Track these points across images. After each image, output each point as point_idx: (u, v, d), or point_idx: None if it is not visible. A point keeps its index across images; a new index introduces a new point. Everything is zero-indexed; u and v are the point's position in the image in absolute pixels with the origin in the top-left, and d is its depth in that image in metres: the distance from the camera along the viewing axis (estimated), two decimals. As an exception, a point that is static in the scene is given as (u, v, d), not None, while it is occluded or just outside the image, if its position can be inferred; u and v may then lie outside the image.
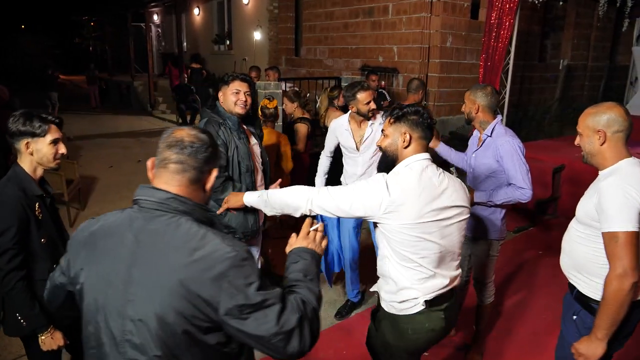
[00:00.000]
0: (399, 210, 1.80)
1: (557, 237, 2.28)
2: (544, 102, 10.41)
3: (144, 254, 1.24)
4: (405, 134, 1.88)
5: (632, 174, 1.85)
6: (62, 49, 27.40)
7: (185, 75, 12.58)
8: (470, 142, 3.04)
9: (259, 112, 4.07)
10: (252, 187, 2.73)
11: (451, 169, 2.88)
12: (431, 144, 2.60)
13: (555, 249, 2.27)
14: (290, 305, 1.26)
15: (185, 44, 16.36)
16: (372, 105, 3.25)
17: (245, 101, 2.72)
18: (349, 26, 9.65)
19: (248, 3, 12.44)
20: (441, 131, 8.53)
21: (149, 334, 1.21)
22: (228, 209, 2.25)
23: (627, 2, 7.99)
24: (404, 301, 1.91)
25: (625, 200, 1.78)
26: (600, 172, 1.97)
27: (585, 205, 1.96)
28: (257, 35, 12.18)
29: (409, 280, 1.89)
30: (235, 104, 2.70)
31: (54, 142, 2.04)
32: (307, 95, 7.13)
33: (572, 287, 2.07)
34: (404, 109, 1.91)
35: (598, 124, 1.91)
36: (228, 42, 14.07)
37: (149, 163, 1.37)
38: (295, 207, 1.96)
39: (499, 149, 2.69)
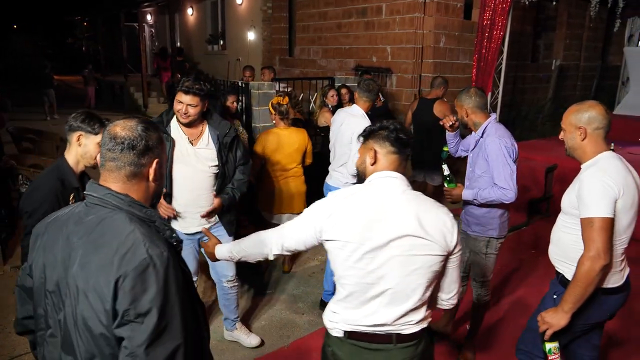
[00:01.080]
0: None
1: (549, 236, 2.30)
2: (536, 102, 10.46)
3: (77, 247, 1.27)
4: (371, 150, 1.76)
5: (611, 165, 2.00)
6: (55, 49, 27.24)
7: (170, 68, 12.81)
8: (470, 140, 3.07)
9: (272, 110, 4.03)
10: (167, 194, 2.81)
11: (443, 166, 2.91)
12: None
13: (547, 248, 2.30)
14: (171, 329, 1.22)
15: (178, 44, 16.31)
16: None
17: (187, 113, 2.75)
18: (342, 26, 9.65)
19: (242, 3, 12.42)
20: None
21: (73, 325, 1.26)
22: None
23: (619, 2, 8.06)
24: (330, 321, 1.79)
25: (602, 189, 1.92)
26: (582, 165, 2.12)
27: (568, 196, 2.11)
28: (251, 36, 12.16)
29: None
30: (177, 112, 2.77)
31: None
32: (301, 95, 7.14)
33: (558, 274, 2.21)
34: (372, 126, 1.82)
35: (579, 121, 2.06)
36: (222, 42, 14.05)
37: (97, 160, 1.40)
38: (263, 256, 1.88)
39: (486, 149, 2.74)
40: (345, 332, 1.70)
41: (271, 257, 1.85)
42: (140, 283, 1.18)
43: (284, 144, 3.91)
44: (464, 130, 3.14)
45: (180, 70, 13.18)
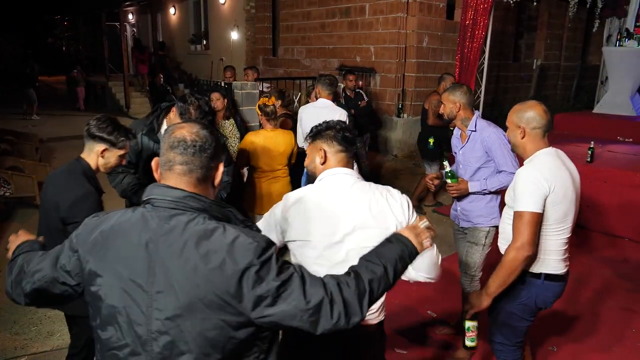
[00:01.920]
0: None
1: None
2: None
3: (164, 253, 1.22)
4: (320, 150, 1.82)
5: (545, 162, 2.10)
6: (35, 48, 26.78)
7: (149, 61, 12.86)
8: (453, 142, 3.11)
9: (258, 111, 4.02)
10: None
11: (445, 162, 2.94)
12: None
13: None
14: (312, 280, 1.26)
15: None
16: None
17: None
18: (326, 26, 9.66)
19: (224, 3, 12.34)
20: (418, 130, 8.60)
21: (178, 333, 1.21)
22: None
23: (597, 3, 8.19)
24: None
25: (533, 185, 2.04)
26: (524, 162, 2.21)
27: (509, 191, 2.21)
28: (234, 35, 12.10)
29: None
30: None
31: (122, 156, 2.28)
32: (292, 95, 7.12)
33: None
34: (319, 126, 1.87)
35: (520, 120, 2.16)
36: (205, 42, 13.95)
37: (154, 164, 1.36)
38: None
39: (486, 141, 2.80)
40: None
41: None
42: (264, 267, 1.20)
43: (271, 145, 3.89)
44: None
45: (162, 66, 13.17)
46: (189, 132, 1.30)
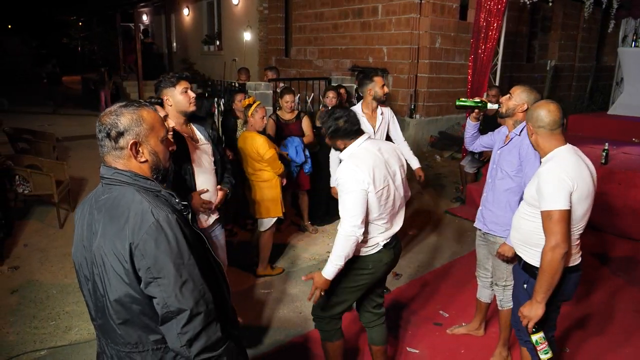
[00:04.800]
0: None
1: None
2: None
3: (97, 221, 1.45)
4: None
5: (566, 160, 2.15)
6: (49, 49, 27.11)
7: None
8: (496, 137, 3.01)
9: (245, 114, 4.04)
10: (188, 189, 2.77)
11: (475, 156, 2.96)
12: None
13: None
14: (199, 290, 1.40)
15: (175, 44, 16.30)
16: (386, 89, 3.66)
17: (195, 97, 2.82)
18: (338, 27, 9.68)
19: (238, 3, 12.43)
20: (430, 131, 8.61)
21: (105, 293, 1.43)
22: None
23: (613, 3, 8.11)
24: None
25: (558, 183, 2.07)
26: (541, 160, 2.27)
27: (529, 188, 2.25)
28: (247, 36, 12.17)
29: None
30: (190, 103, 2.77)
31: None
32: (297, 95, 7.14)
33: (519, 259, 2.39)
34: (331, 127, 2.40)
35: (529, 120, 2.25)
36: (218, 43, 14.05)
37: None
38: (355, 244, 2.29)
39: (524, 149, 2.68)
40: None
41: (360, 239, 2.27)
42: (153, 243, 1.35)
43: (249, 147, 3.86)
44: (457, 126, 3.14)
45: (150, 53, 13.59)
46: (106, 114, 1.48)
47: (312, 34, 10.42)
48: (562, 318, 3.41)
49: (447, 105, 8.78)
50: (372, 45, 8.99)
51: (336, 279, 2.34)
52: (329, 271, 2.28)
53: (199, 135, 2.93)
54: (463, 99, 3.08)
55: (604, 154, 5.40)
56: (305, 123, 4.98)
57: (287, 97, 4.85)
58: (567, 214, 2.07)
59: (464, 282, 4.03)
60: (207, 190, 2.87)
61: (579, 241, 2.26)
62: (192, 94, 2.77)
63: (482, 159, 5.80)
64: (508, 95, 2.81)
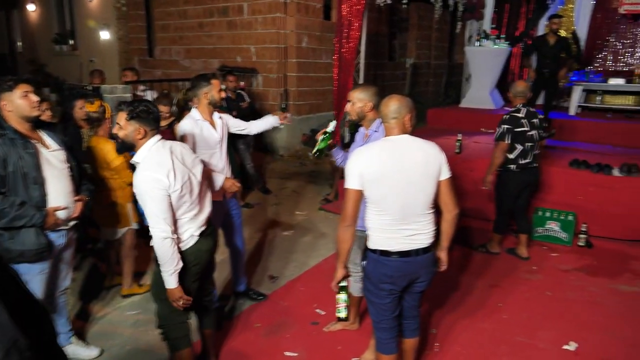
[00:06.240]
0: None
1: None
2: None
3: None
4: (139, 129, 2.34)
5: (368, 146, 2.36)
6: None
7: None
8: (358, 137, 3.06)
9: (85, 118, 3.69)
10: (41, 201, 2.56)
11: None
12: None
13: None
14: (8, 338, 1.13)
15: (19, 43, 14.54)
16: (224, 94, 3.34)
17: (39, 101, 2.59)
18: (204, 25, 9.37)
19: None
20: (303, 129, 8.71)
21: None
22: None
23: (458, 6, 8.90)
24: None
25: (350, 164, 2.30)
26: None
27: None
28: (105, 35, 11.27)
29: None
30: (32, 107, 2.54)
31: None
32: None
33: None
34: (138, 107, 2.34)
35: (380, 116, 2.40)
36: (72, 42, 12.81)
37: None
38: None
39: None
40: None
41: (175, 237, 2.38)
42: None
43: (98, 153, 3.54)
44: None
45: None
46: None
47: (177, 33, 9.96)
48: (427, 300, 3.65)
49: (317, 104, 8.96)
50: (240, 44, 8.84)
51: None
52: (170, 281, 2.35)
53: (49, 141, 2.68)
54: (315, 148, 3.08)
55: (458, 144, 5.88)
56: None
57: (162, 108, 4.46)
58: (355, 193, 2.26)
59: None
60: (65, 208, 2.66)
61: (395, 227, 2.27)
62: (34, 98, 2.53)
63: None
64: (349, 103, 2.89)
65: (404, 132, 2.31)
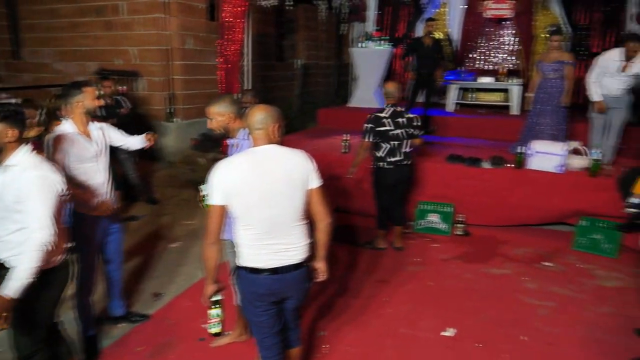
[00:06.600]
0: None
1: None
2: (287, 99, 11.22)
3: None
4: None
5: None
6: None
7: None
8: (229, 150, 3.00)
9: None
10: None
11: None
12: None
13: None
14: None
15: None
16: (101, 102, 3.17)
17: None
18: (78, 26, 8.67)
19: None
20: (192, 133, 8.43)
21: None
22: None
23: (342, 8, 9.15)
24: None
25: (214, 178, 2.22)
26: None
27: None
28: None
29: None
30: None
31: None
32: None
33: None
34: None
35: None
36: None
37: None
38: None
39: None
40: None
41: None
42: None
43: None
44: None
45: None
46: None
47: (48, 34, 9.11)
48: (317, 303, 3.69)
49: (206, 107, 8.70)
50: (119, 46, 8.30)
51: (34, 294, 2.21)
52: (15, 287, 2.09)
53: None
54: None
55: (345, 144, 6.03)
56: None
57: (29, 113, 4.01)
58: (218, 209, 2.20)
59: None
60: None
61: (263, 242, 2.21)
62: None
63: None
64: (209, 120, 2.87)
65: (271, 143, 2.26)
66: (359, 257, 4.69)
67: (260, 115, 2.24)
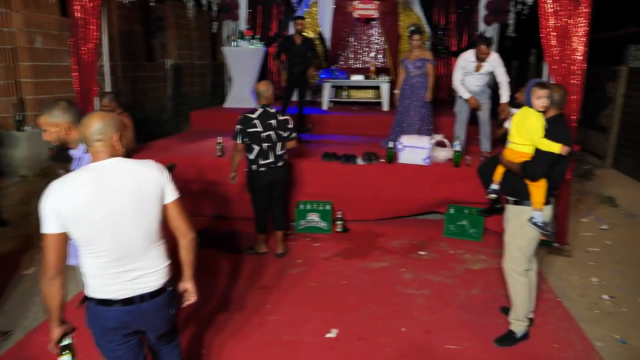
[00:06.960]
0: None
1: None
2: (159, 101, 10.61)
3: None
4: None
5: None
6: None
7: None
8: (75, 165, 2.60)
9: None
10: None
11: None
12: None
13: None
14: None
15: None
16: None
17: None
18: None
19: None
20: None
21: None
22: None
23: (212, 6, 8.83)
24: None
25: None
26: None
27: None
28: None
29: None
30: None
31: None
32: None
33: None
34: None
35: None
36: None
37: None
38: None
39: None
40: None
41: None
42: None
43: None
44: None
45: None
46: None
47: None
48: (198, 320, 3.46)
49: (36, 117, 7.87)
50: (-52, 45, 7.16)
51: None
52: None
53: None
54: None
55: (219, 147, 5.80)
56: None
57: None
58: (55, 238, 1.87)
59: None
60: None
61: (115, 271, 1.95)
62: None
63: None
64: (43, 132, 2.52)
65: (115, 155, 1.98)
66: (242, 264, 4.52)
67: (98, 125, 1.94)
